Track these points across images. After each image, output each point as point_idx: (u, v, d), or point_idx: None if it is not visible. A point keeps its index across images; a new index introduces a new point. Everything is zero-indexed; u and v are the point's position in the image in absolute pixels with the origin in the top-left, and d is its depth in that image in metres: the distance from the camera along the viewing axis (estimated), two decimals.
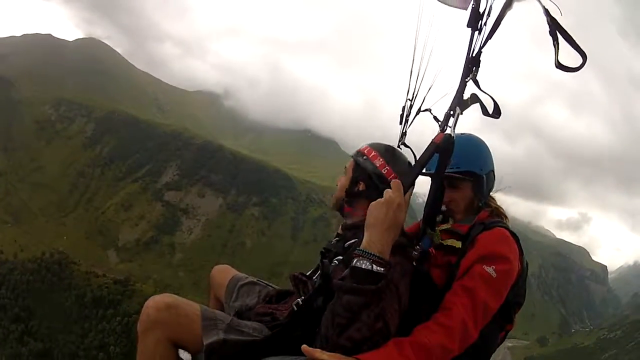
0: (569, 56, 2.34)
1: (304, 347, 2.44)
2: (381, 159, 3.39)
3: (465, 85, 2.82)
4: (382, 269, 2.48)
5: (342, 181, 3.57)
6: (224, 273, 4.36)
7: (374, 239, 2.55)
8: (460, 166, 3.53)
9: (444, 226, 3.54)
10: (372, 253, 2.50)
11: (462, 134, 3.73)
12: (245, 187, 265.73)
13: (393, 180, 2.74)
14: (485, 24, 2.69)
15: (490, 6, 2.67)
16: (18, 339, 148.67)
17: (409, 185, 2.84)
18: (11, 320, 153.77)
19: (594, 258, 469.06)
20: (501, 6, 2.59)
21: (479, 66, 2.76)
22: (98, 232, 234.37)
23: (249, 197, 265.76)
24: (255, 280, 4.17)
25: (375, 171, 3.36)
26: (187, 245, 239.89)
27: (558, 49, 2.33)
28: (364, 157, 3.46)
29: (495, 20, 2.63)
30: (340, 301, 2.49)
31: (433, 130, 3.19)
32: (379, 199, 2.65)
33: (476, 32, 2.73)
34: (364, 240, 2.59)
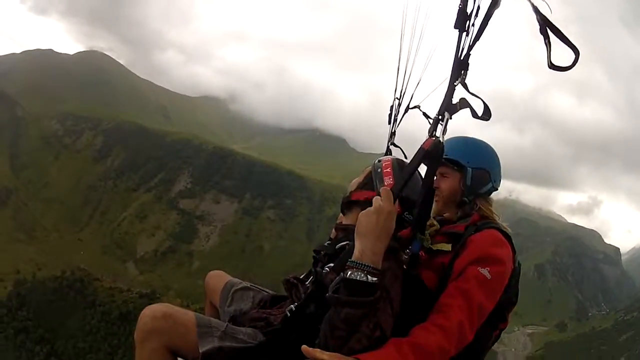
0: (562, 53, 2.27)
1: (304, 347, 2.42)
2: (391, 179, 3.30)
3: (454, 89, 2.71)
4: (376, 279, 2.43)
5: (353, 183, 3.53)
6: (218, 278, 4.30)
7: (366, 248, 2.48)
8: (448, 154, 3.44)
9: (434, 229, 3.44)
10: (365, 264, 2.44)
11: (461, 136, 3.76)
12: (259, 190, 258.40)
13: (382, 188, 2.70)
14: (473, 24, 2.57)
15: (478, 6, 2.54)
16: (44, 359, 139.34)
17: (398, 192, 2.74)
18: (35, 342, 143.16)
19: (606, 241, 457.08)
20: (488, 6, 2.48)
21: (468, 69, 2.65)
22: (115, 245, 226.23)
23: (263, 200, 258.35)
24: (249, 285, 4.11)
25: (379, 178, 3.30)
26: (206, 253, 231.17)
27: (550, 48, 2.28)
28: (379, 170, 3.40)
29: (483, 20, 2.52)
30: (338, 315, 2.44)
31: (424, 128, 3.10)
32: (368, 208, 2.59)
33: (464, 34, 2.60)
34: (355, 250, 2.52)
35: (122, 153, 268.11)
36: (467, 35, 2.57)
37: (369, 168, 3.48)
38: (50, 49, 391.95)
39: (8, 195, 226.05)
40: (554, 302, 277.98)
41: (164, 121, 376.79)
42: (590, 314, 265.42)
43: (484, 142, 3.72)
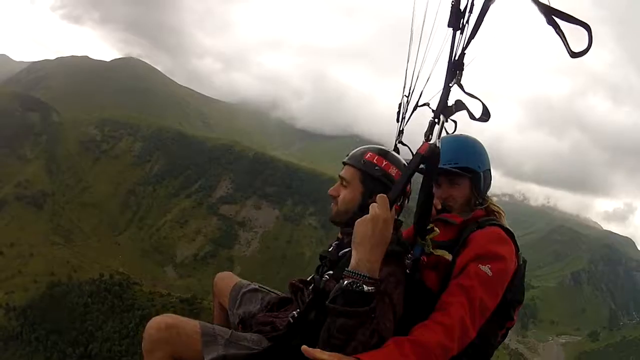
0: (578, 37, 2.11)
1: (304, 347, 2.41)
2: (384, 161, 3.10)
3: (450, 90, 2.63)
4: (372, 289, 2.42)
5: (347, 194, 3.14)
6: (226, 280, 4.24)
7: (362, 257, 2.45)
8: (458, 162, 3.42)
9: (434, 234, 3.26)
10: (362, 274, 2.42)
11: (459, 135, 3.67)
12: (301, 197, 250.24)
13: (379, 195, 2.60)
14: (467, 22, 2.47)
15: (472, 2, 2.44)
16: None
17: (395, 199, 2.68)
18: (68, 344, 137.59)
19: (639, 248, 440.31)
20: (483, 1, 2.37)
21: (463, 69, 2.56)
22: (154, 250, 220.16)
23: (305, 207, 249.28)
24: (257, 286, 4.06)
25: (385, 174, 3.06)
26: (247, 258, 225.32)
27: (564, 37, 2.15)
28: (373, 166, 3.10)
29: (478, 17, 2.40)
30: (334, 324, 2.45)
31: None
32: (364, 216, 2.53)
33: (458, 32, 2.52)
34: (352, 260, 2.50)
35: (162, 159, 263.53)
36: (461, 33, 2.49)
37: (352, 171, 3.20)
38: (86, 56, 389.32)
39: (44, 199, 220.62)
40: (589, 311, 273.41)
41: (203, 127, 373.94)
42: (621, 323, 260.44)
43: (475, 139, 3.62)
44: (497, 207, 3.53)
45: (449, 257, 3.11)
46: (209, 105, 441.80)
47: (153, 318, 2.96)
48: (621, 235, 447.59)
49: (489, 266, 2.91)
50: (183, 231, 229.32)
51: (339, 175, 3.19)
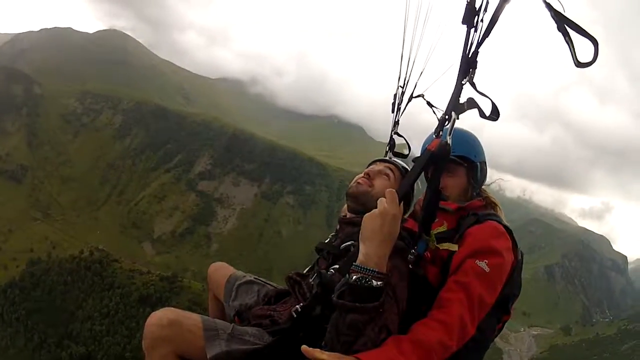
0: (582, 46, 2.12)
1: (304, 347, 2.37)
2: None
3: (462, 88, 2.55)
4: (381, 283, 2.37)
5: (384, 184, 3.20)
6: (221, 272, 4.11)
7: (370, 252, 2.40)
8: (455, 150, 3.18)
9: (440, 229, 3.27)
10: (370, 269, 2.37)
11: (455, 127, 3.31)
12: (279, 175, 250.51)
13: (388, 190, 2.57)
14: (482, 20, 2.38)
15: (487, 1, 2.36)
16: (57, 343, 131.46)
17: (404, 195, 2.66)
18: (48, 325, 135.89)
19: (615, 248, 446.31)
20: (499, 1, 2.32)
21: (476, 67, 2.49)
22: (132, 225, 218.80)
23: (283, 185, 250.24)
24: (253, 278, 3.95)
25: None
26: (224, 236, 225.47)
27: (573, 46, 2.12)
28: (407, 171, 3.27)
29: (493, 16, 2.34)
30: (343, 320, 2.39)
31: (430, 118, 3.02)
32: (373, 210, 2.49)
33: (472, 30, 2.43)
34: (360, 254, 2.44)
35: (142, 133, 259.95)
36: (475, 31, 2.41)
37: (394, 168, 3.32)
38: (70, 28, 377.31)
39: (23, 173, 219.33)
40: (561, 305, 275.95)
41: (183, 102, 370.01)
42: (594, 320, 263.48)
43: (471, 132, 3.57)
44: (494, 199, 3.48)
45: (455, 247, 3.06)
46: (190, 79, 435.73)
47: (153, 313, 2.82)
48: (596, 233, 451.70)
49: (486, 261, 2.87)
50: (161, 206, 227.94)
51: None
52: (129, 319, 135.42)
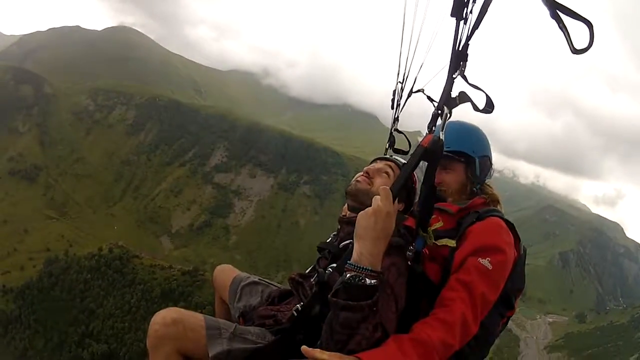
0: (581, 33, 2.04)
1: (304, 347, 2.35)
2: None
3: (453, 82, 2.50)
4: (374, 282, 2.33)
5: (384, 182, 3.16)
6: (226, 273, 4.15)
7: (364, 251, 2.37)
8: (450, 146, 3.29)
9: (436, 225, 3.23)
10: (364, 267, 2.33)
11: (455, 121, 3.44)
12: (295, 165, 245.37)
13: (381, 187, 2.51)
14: (471, 11, 2.30)
15: None
16: (78, 342, 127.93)
17: (397, 192, 2.58)
18: (69, 324, 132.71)
19: (628, 234, 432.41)
20: None
21: (467, 60, 2.42)
22: (149, 220, 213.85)
23: (299, 175, 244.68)
24: (257, 279, 3.99)
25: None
26: (242, 227, 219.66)
27: (567, 32, 2.05)
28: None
29: (482, 7, 2.25)
30: (337, 318, 2.36)
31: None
32: (367, 209, 2.44)
33: (462, 22, 2.35)
34: (354, 253, 2.41)
35: (155, 127, 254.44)
36: (465, 23, 2.33)
37: (393, 166, 3.31)
38: (78, 26, 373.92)
39: (37, 172, 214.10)
40: (576, 292, 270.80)
41: (195, 95, 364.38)
42: (608, 308, 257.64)
43: (475, 126, 3.53)
44: (497, 195, 3.43)
45: (453, 243, 3.02)
46: (201, 73, 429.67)
47: (157, 312, 2.85)
48: (610, 220, 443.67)
49: (489, 259, 2.82)
50: (178, 200, 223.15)
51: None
52: (152, 315, 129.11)
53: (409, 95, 3.66)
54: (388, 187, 2.49)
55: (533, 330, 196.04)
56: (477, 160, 3.34)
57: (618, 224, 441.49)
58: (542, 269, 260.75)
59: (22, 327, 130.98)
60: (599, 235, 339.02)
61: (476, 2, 2.24)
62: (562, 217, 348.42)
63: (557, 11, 2.02)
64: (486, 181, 3.49)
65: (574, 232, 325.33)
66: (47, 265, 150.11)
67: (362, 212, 2.44)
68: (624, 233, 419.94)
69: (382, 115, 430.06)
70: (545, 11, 2.03)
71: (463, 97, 2.55)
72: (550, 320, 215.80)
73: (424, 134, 2.82)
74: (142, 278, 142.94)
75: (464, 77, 2.46)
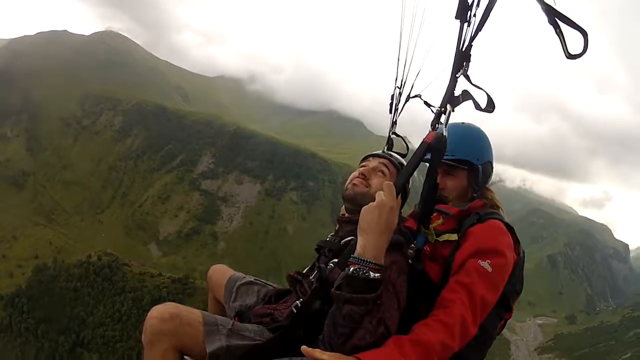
0: (572, 38, 2.15)
1: (304, 347, 2.35)
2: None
3: (456, 81, 2.57)
4: (378, 275, 2.36)
5: (381, 182, 3.08)
6: (221, 273, 4.10)
7: (368, 244, 2.40)
8: (455, 154, 3.34)
9: (437, 222, 3.26)
10: (367, 260, 2.37)
11: (462, 123, 3.56)
12: (282, 172, 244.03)
13: (385, 182, 2.56)
14: (474, 14, 2.40)
15: None
16: (69, 350, 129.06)
17: (401, 187, 2.66)
18: (59, 332, 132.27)
19: (616, 236, 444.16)
20: None
21: (470, 60, 2.51)
22: (137, 227, 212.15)
23: (286, 182, 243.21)
24: (253, 279, 3.95)
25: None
26: (230, 234, 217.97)
27: (563, 38, 2.15)
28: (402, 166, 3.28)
29: (485, 10, 2.35)
30: (340, 311, 2.39)
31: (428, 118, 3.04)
32: (371, 203, 2.49)
33: (465, 24, 2.44)
34: (357, 246, 2.45)
35: (143, 133, 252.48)
36: (468, 25, 2.42)
37: (389, 164, 3.28)
38: (65, 30, 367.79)
39: (25, 179, 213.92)
40: (565, 294, 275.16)
41: (182, 101, 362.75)
42: (598, 309, 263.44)
43: (478, 129, 3.56)
44: (497, 199, 3.48)
45: (455, 237, 3.06)
46: (188, 79, 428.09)
47: (154, 307, 2.81)
48: (598, 222, 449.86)
49: (489, 261, 2.83)
50: (165, 207, 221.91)
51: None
52: (142, 324, 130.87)
53: (406, 101, 3.72)
54: (392, 182, 2.53)
55: (523, 332, 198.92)
56: (480, 168, 3.37)
57: (606, 226, 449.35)
58: (531, 272, 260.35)
59: (14, 336, 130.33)
60: (587, 238, 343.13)
61: (480, 6, 2.31)
62: (549, 220, 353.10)
63: (556, 18, 2.11)
64: (487, 185, 3.53)
65: (561, 235, 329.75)
66: (36, 273, 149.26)
67: (366, 206, 2.46)
68: (613, 235, 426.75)
69: (367, 120, 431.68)
70: (542, 17, 2.12)
71: (466, 96, 2.61)
72: (540, 322, 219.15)
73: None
74: (132, 286, 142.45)
75: (467, 77, 2.53)
